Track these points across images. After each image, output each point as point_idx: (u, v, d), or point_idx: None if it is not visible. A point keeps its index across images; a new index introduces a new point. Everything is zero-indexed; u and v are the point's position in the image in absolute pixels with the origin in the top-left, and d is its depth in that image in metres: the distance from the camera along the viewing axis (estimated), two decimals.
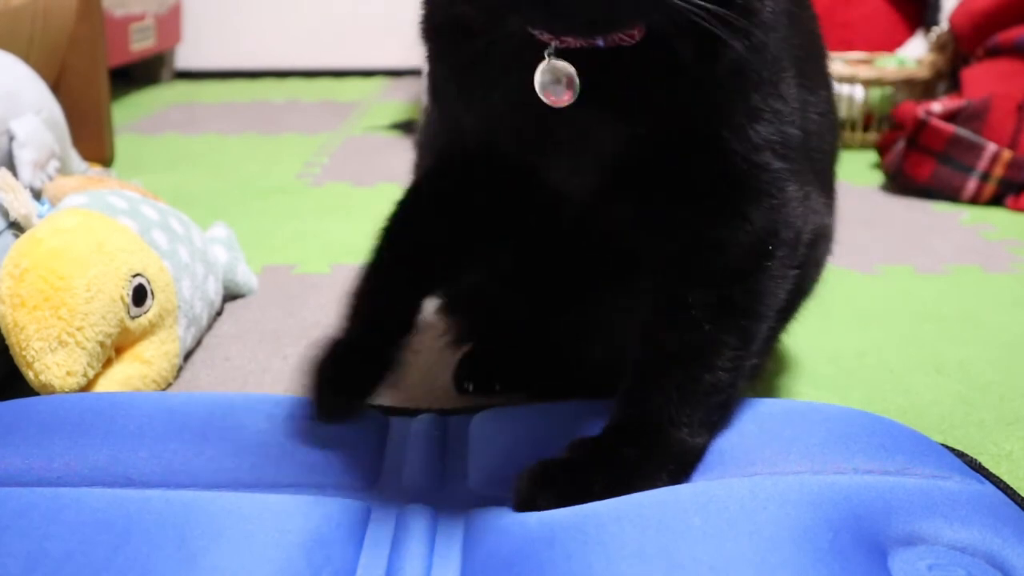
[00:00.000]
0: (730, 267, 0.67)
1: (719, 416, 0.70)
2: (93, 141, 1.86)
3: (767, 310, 0.69)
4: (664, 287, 0.69)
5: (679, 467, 0.67)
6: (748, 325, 0.68)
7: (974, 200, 1.77)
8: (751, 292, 0.68)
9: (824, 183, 0.81)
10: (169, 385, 1.01)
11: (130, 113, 2.66)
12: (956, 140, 1.78)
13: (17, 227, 0.99)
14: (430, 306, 1.02)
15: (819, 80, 0.78)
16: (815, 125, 0.74)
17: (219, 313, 1.20)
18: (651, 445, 0.67)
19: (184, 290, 1.05)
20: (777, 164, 0.66)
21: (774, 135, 0.65)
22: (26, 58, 1.50)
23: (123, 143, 2.16)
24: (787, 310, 0.85)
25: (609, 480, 0.65)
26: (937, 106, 1.85)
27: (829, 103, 0.82)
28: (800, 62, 0.70)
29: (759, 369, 0.90)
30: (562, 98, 0.62)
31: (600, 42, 0.61)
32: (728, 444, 0.71)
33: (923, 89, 2.19)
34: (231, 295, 1.24)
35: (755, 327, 0.69)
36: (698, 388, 0.67)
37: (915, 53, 2.40)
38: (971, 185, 1.77)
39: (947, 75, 2.21)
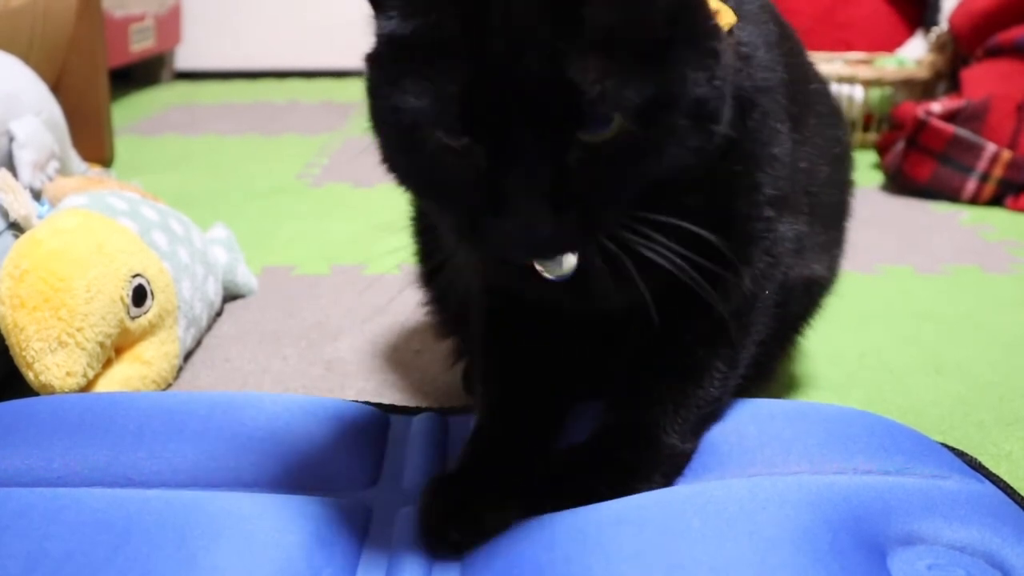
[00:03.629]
0: (729, 306, 0.70)
1: (707, 425, 0.73)
2: (93, 142, 1.86)
3: (752, 342, 0.74)
4: (663, 319, 0.68)
5: (671, 469, 0.70)
6: (735, 353, 0.72)
7: (974, 200, 1.77)
8: (742, 326, 0.72)
9: (822, 215, 0.82)
10: (169, 385, 1.01)
11: (130, 114, 2.66)
12: (956, 140, 1.78)
13: (17, 228, 0.99)
14: (425, 320, 1.02)
15: (806, 114, 0.78)
16: (805, 162, 0.76)
17: (219, 314, 1.20)
18: (646, 449, 0.69)
19: (184, 291, 1.05)
20: (772, 213, 0.70)
21: (773, 191, 0.69)
22: (26, 59, 1.50)
23: (123, 144, 2.16)
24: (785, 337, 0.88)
25: (612, 481, 0.66)
26: (937, 106, 1.85)
27: (822, 132, 0.81)
28: (787, 99, 0.71)
29: (772, 370, 0.92)
30: (561, 270, 0.61)
31: None
32: (728, 444, 0.71)
33: (923, 89, 2.19)
34: (231, 296, 1.24)
35: (742, 354, 0.73)
36: (689, 402, 0.71)
37: (915, 53, 2.40)
38: (971, 185, 1.77)
39: (947, 75, 2.21)
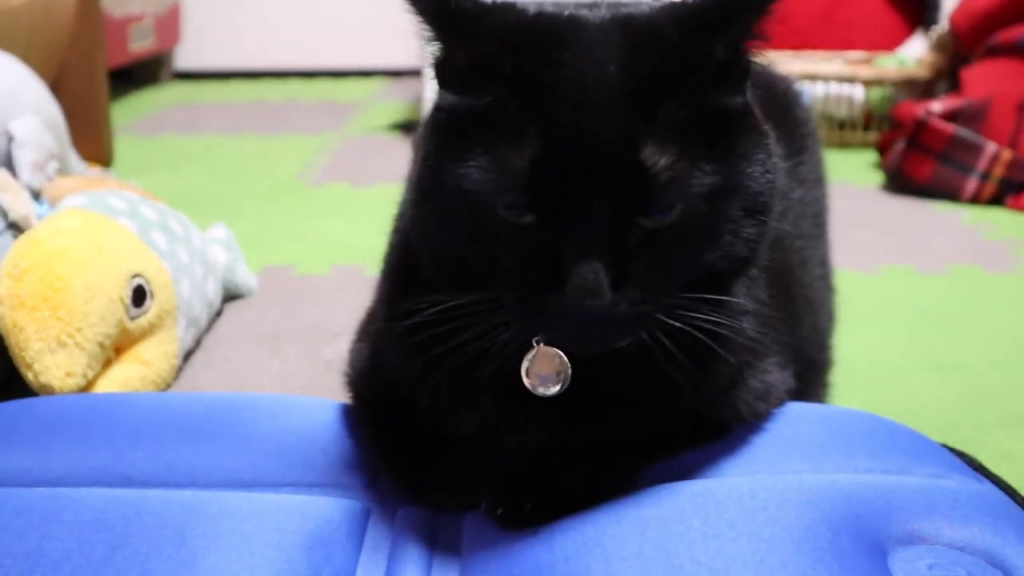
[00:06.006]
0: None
1: None
2: (92, 141, 1.86)
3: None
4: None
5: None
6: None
7: (974, 200, 1.77)
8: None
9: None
10: (168, 386, 1.01)
11: (129, 114, 2.66)
12: (956, 140, 1.78)
13: (16, 228, 0.99)
14: None
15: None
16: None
17: (218, 314, 1.20)
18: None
19: (183, 291, 1.05)
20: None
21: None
22: (25, 59, 1.50)
23: (122, 144, 2.16)
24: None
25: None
26: (937, 106, 1.85)
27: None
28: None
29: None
30: (550, 389, 0.60)
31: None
32: (727, 444, 0.71)
33: (923, 89, 2.19)
34: (230, 296, 1.24)
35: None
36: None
37: (915, 53, 2.40)
38: (971, 185, 1.77)
39: (947, 75, 2.21)
